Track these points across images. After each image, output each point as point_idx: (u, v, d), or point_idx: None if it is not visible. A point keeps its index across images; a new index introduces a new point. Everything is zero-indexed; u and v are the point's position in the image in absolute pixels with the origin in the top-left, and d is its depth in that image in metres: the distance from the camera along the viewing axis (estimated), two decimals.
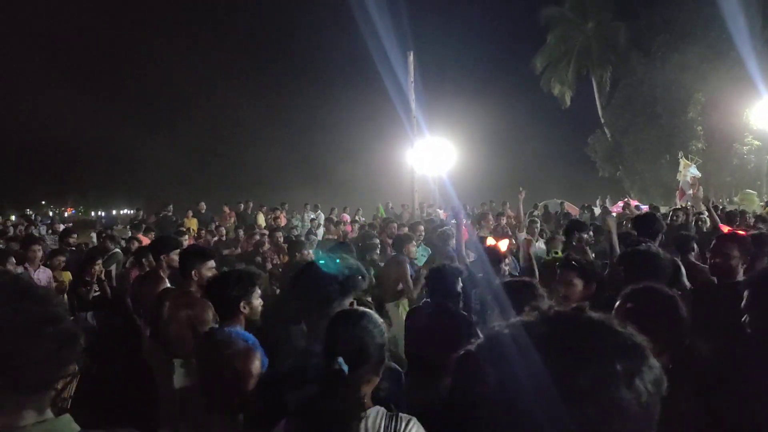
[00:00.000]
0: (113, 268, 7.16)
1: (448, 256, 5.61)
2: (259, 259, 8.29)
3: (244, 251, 10.07)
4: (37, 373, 1.17)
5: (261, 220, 16.01)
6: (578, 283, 3.45)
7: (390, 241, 7.62)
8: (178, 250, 4.77)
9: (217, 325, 3.12)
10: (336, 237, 10.31)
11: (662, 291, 2.38)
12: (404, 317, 5.63)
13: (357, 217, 16.46)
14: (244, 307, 3.03)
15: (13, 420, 1.16)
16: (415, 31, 23.57)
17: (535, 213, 13.84)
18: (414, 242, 6.45)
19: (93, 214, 46.37)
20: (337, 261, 2.68)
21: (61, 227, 13.36)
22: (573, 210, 18.35)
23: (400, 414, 1.90)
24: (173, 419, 3.78)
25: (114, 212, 45.19)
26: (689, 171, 17.60)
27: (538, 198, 19.72)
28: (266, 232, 10.54)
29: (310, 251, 6.23)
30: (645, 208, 17.23)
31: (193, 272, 3.87)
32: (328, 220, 13.15)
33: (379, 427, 1.84)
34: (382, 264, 6.44)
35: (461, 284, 3.78)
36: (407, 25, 21.36)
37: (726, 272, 3.65)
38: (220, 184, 33.44)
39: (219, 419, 2.91)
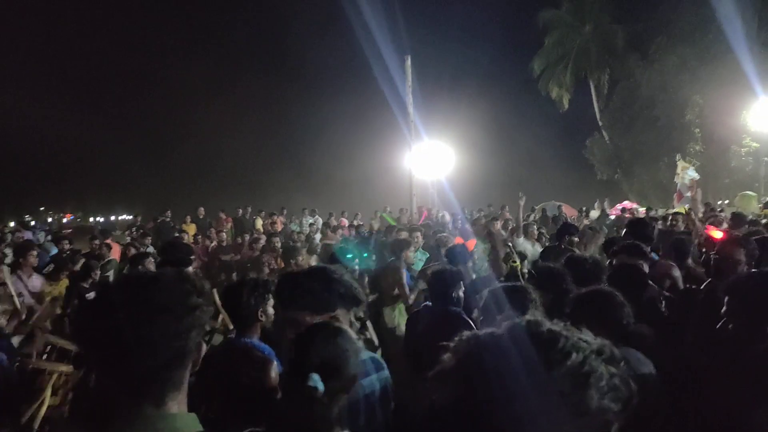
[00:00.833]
0: (110, 274, 7.17)
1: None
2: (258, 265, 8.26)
3: (244, 257, 10.06)
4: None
5: (259, 224, 16.01)
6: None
7: None
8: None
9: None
10: (334, 242, 10.32)
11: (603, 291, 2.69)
12: (400, 321, 5.69)
13: (355, 222, 16.46)
14: (261, 316, 3.01)
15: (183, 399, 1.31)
16: (412, 34, 23.65)
17: (531, 216, 13.87)
18: (412, 247, 6.46)
19: (91, 219, 46.34)
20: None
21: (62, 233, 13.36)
22: (571, 213, 18.35)
23: None
24: None
25: (113, 218, 45.16)
26: (687, 173, 17.60)
27: (536, 201, 19.72)
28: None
29: (305, 257, 6.23)
30: (642, 210, 17.24)
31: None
32: (325, 224, 13.14)
33: None
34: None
35: (462, 288, 3.78)
36: (404, 29, 21.43)
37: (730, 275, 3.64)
38: (218, 189, 33.42)
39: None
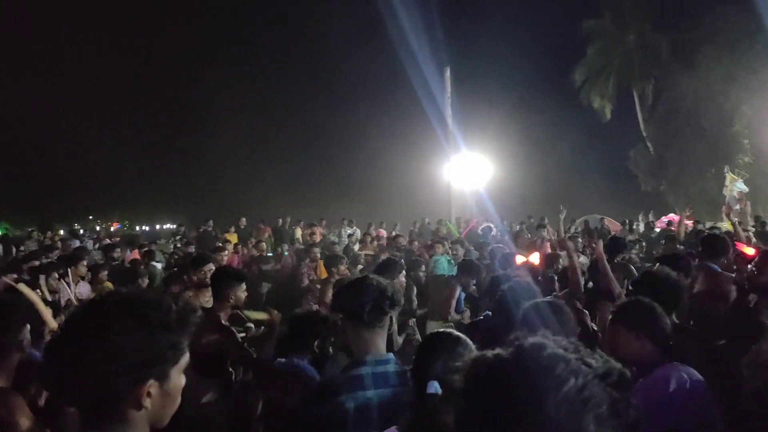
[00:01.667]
0: (144, 281, 7.32)
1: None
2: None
3: (284, 267, 10.19)
4: None
5: (298, 234, 16.20)
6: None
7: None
8: (210, 266, 5.03)
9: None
10: (373, 252, 10.35)
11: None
12: None
13: (393, 233, 16.47)
14: (317, 348, 3.40)
15: None
16: (452, 46, 23.62)
17: (572, 229, 13.62)
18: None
19: (137, 228, 47.64)
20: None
21: (107, 242, 13.77)
22: (614, 226, 17.94)
23: None
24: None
25: (157, 227, 46.33)
26: (736, 186, 17.09)
27: (577, 213, 19.38)
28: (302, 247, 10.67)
29: (347, 266, 6.25)
30: (689, 223, 16.74)
31: (230, 294, 3.92)
32: (366, 235, 13.20)
33: None
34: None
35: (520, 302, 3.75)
36: (443, 40, 21.45)
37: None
38: (260, 200, 33.91)
39: None
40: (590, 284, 5.78)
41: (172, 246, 14.50)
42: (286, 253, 11.95)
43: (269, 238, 15.79)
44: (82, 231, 22.80)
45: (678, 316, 3.36)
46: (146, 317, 1.22)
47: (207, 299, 4.71)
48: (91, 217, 48.12)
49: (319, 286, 6.17)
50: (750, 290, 3.75)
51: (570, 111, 33.86)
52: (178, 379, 1.31)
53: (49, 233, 18.12)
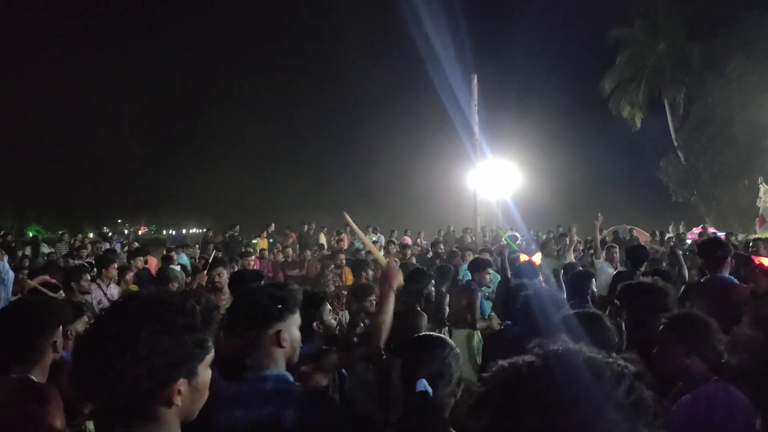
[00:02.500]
0: (174, 285, 7.38)
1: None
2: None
3: (309, 272, 10.22)
4: None
5: (322, 239, 16.25)
6: None
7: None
8: (220, 269, 5.19)
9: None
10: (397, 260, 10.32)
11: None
12: (470, 343, 5.53)
13: (419, 240, 16.41)
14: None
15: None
16: (479, 53, 23.56)
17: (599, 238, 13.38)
18: (490, 269, 6.31)
19: (164, 232, 48.33)
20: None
21: (135, 245, 13.97)
22: (643, 236, 17.62)
23: None
24: None
25: (184, 231, 46.97)
26: None
27: (606, 224, 19.04)
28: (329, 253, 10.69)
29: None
30: (722, 235, 16.36)
31: None
32: (390, 242, 13.18)
33: None
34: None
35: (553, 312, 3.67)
36: (470, 48, 21.38)
37: None
38: (286, 206, 34.19)
39: None
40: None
41: (199, 251, 14.68)
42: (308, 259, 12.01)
43: (293, 243, 15.88)
44: (110, 234, 23.20)
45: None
46: (172, 320, 1.24)
47: (224, 303, 4.73)
48: (119, 221, 49.04)
49: (345, 292, 6.16)
50: None
51: (599, 119, 33.52)
52: (205, 374, 1.35)
53: (79, 236, 18.47)
